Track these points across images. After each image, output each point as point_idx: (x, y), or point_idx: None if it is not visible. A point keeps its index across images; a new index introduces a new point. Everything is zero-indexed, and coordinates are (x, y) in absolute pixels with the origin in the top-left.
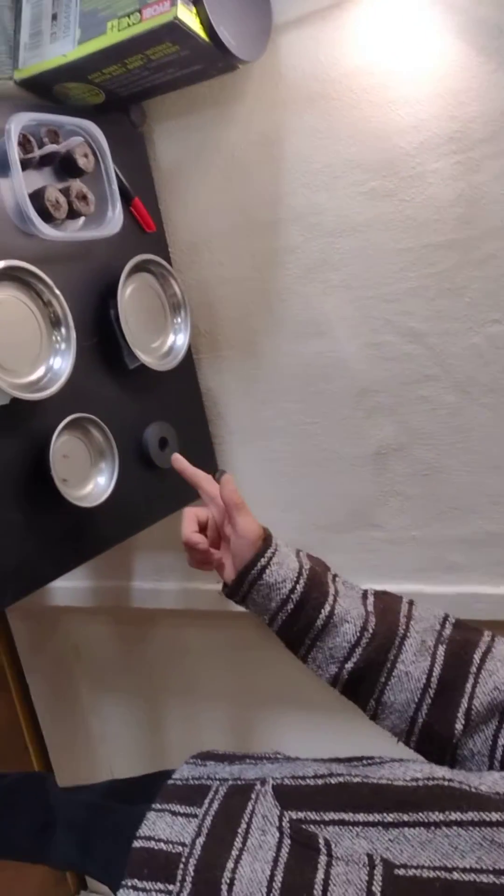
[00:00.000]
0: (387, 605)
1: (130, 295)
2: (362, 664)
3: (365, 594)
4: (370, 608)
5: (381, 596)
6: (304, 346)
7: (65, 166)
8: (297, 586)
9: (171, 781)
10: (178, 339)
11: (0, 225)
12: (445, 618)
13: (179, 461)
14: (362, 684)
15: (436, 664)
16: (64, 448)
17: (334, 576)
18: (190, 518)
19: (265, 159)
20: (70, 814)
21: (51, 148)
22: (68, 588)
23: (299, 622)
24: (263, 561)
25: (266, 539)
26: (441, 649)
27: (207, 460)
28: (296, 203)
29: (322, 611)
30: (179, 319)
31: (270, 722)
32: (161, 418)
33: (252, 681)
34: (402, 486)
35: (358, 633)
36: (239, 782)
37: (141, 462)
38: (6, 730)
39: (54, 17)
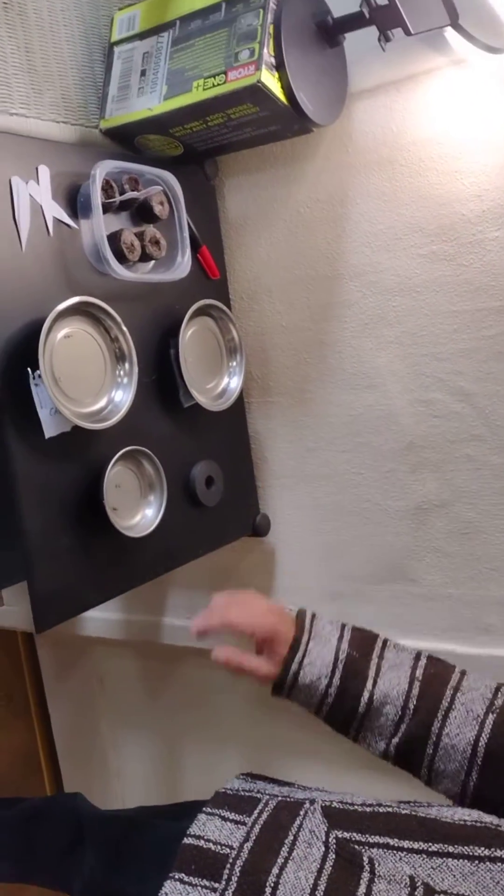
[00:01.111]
0: (436, 673)
1: (191, 337)
2: (407, 739)
3: (417, 657)
4: (418, 675)
5: (433, 662)
6: (355, 397)
7: (141, 212)
8: (334, 679)
9: (222, 789)
10: (232, 382)
11: (77, 262)
12: (499, 687)
13: (198, 626)
14: (412, 756)
15: (483, 733)
16: (117, 478)
17: (383, 646)
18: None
19: (330, 217)
20: (104, 830)
21: (131, 195)
22: (98, 619)
23: (342, 712)
24: (294, 666)
25: (296, 639)
26: (490, 718)
27: (250, 502)
28: (356, 261)
29: (362, 699)
30: (235, 363)
31: (296, 776)
32: (209, 457)
33: (278, 731)
34: (441, 543)
35: (400, 712)
36: (288, 799)
37: (187, 498)
38: (23, 756)
39: (143, 73)
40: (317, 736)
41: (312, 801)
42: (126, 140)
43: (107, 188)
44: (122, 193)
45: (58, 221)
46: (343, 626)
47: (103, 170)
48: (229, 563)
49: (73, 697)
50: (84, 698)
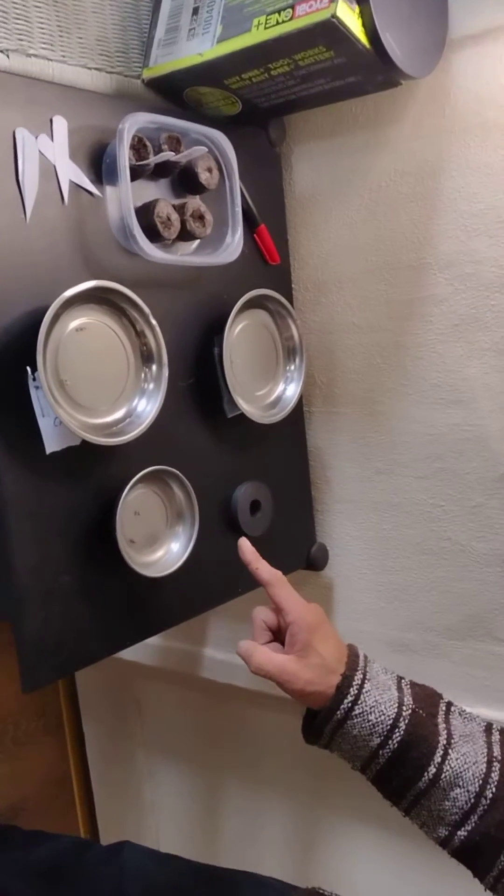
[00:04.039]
0: None
1: (240, 333)
2: (479, 835)
3: (488, 731)
4: (497, 755)
5: None
6: (438, 414)
7: (184, 180)
8: (393, 739)
9: None
10: (289, 389)
11: (99, 239)
12: None
13: (246, 549)
14: (479, 858)
15: None
16: (136, 503)
17: (447, 709)
18: (259, 628)
19: (418, 194)
20: None
21: (167, 156)
22: None
23: (396, 779)
24: (341, 712)
25: (346, 676)
26: None
27: (305, 530)
28: (448, 248)
29: (426, 772)
30: (293, 366)
31: (340, 832)
32: (256, 478)
33: (327, 784)
34: None
35: (473, 800)
36: None
37: (226, 526)
38: (55, 779)
39: (195, 10)
40: (374, 800)
41: None
42: (174, 93)
43: (139, 147)
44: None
45: (76, 187)
46: (399, 677)
47: (134, 123)
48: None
49: (109, 720)
50: (120, 722)
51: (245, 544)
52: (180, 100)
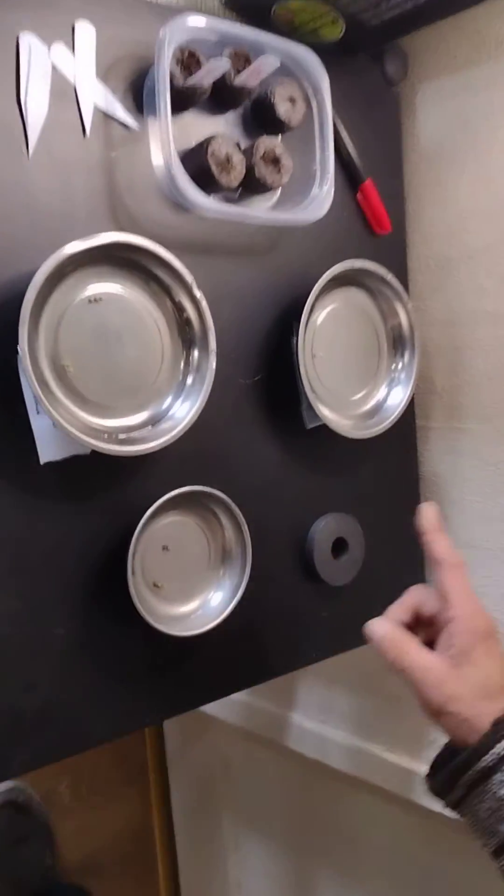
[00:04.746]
0: None
1: (327, 318)
2: None
3: None
4: None
5: None
6: None
7: (259, 114)
8: None
9: None
10: (394, 394)
11: (135, 186)
12: None
13: (429, 515)
14: None
15: None
16: (165, 535)
17: None
18: (405, 605)
19: None
20: None
21: (219, 66)
22: None
23: None
24: (492, 758)
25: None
26: None
27: (412, 581)
28: None
29: None
30: (401, 364)
31: None
32: (343, 509)
33: (433, 885)
34: None
35: None
36: None
37: (296, 571)
38: (135, 834)
39: None
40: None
41: None
42: (258, 13)
43: (190, 65)
44: (220, 79)
45: (104, 116)
46: None
47: (180, 30)
48: (376, 671)
49: (195, 775)
50: (207, 780)
51: (430, 510)
52: (267, 22)
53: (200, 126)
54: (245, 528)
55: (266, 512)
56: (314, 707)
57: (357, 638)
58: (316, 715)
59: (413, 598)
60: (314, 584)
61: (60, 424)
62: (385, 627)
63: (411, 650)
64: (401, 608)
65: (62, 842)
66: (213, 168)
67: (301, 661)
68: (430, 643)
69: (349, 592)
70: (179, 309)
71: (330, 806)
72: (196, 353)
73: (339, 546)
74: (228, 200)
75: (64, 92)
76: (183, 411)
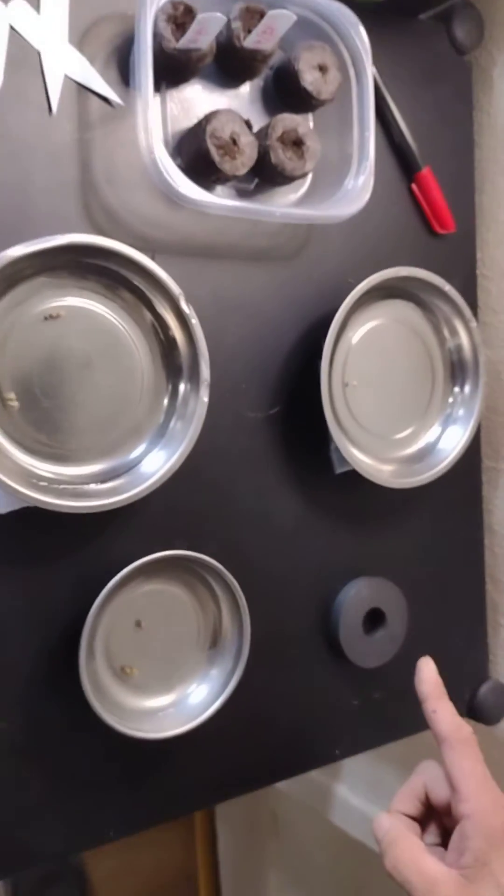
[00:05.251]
0: None
1: (365, 338)
2: None
3: None
4: None
5: None
6: None
7: (281, 84)
8: None
9: None
10: (450, 434)
11: (118, 176)
12: None
13: (428, 673)
14: None
15: None
16: (140, 608)
17: None
18: (411, 792)
19: None
20: None
21: (212, 21)
22: None
23: None
24: None
25: None
26: None
27: (471, 661)
28: None
29: None
30: (460, 397)
31: None
32: (379, 573)
33: None
34: None
35: None
36: None
37: (319, 649)
38: (177, 879)
39: None
40: None
41: None
42: None
43: (185, 22)
44: (229, 41)
45: (80, 89)
46: None
47: None
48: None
49: (243, 825)
50: (255, 832)
51: (428, 666)
52: None
53: (208, 101)
54: (242, 600)
55: (280, 576)
56: (361, 783)
57: (395, 730)
58: (362, 790)
59: (420, 782)
60: (340, 665)
61: None
62: (388, 828)
63: (414, 858)
64: (406, 796)
65: (96, 885)
66: (214, 152)
67: (318, 761)
68: (446, 833)
69: (385, 676)
70: (163, 327)
71: (379, 884)
72: (183, 384)
73: (374, 618)
74: (241, 193)
75: (25, 59)
76: (158, 462)
